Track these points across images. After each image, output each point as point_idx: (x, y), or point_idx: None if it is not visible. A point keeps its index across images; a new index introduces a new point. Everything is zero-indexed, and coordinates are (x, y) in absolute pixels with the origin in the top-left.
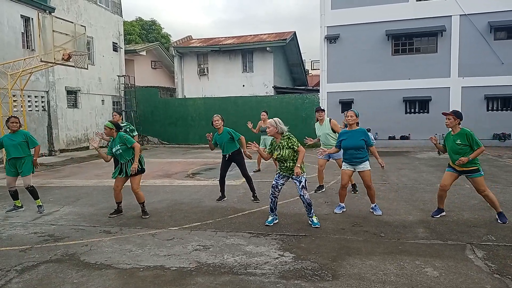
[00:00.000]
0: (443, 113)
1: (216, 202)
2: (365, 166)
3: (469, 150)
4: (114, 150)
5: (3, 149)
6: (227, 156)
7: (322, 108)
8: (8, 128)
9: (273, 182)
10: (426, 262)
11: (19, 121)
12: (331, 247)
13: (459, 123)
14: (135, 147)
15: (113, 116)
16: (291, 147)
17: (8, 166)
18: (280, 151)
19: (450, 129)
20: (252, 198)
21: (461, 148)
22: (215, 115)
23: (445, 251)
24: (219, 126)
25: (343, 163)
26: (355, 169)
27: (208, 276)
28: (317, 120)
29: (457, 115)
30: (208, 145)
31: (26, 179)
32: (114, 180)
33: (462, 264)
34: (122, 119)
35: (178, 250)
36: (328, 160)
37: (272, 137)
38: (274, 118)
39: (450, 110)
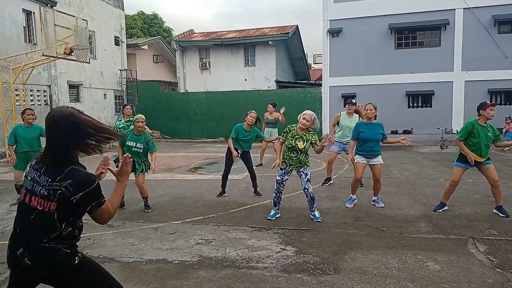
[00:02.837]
0: (491, 104)
1: (217, 197)
2: (379, 159)
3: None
4: (131, 144)
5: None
6: (240, 152)
7: (354, 101)
8: (23, 120)
9: (278, 178)
10: (428, 256)
11: (34, 113)
12: (333, 241)
13: None
14: (154, 154)
15: (126, 109)
16: (314, 142)
17: (18, 159)
18: (306, 143)
19: (477, 120)
20: (254, 194)
21: (490, 139)
22: (253, 111)
23: (447, 245)
24: (253, 123)
25: (357, 155)
26: (368, 162)
27: (210, 270)
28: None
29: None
30: (211, 139)
31: None
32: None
33: (464, 259)
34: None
35: (181, 244)
36: (339, 153)
37: (287, 132)
38: (312, 112)
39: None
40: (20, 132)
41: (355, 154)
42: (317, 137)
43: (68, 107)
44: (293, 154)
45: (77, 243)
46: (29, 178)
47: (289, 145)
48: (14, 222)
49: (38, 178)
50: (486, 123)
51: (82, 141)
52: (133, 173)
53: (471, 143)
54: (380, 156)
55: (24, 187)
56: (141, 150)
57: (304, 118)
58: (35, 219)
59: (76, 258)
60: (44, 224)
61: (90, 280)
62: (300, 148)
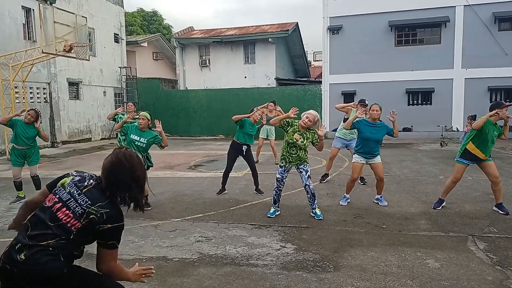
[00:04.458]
0: (504, 105)
1: (217, 194)
2: (378, 158)
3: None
4: (134, 138)
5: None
6: (244, 148)
7: (367, 103)
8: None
9: (278, 176)
10: (427, 254)
11: (35, 116)
12: (333, 239)
13: None
14: (166, 143)
15: (128, 106)
16: (313, 141)
17: (15, 157)
18: (304, 140)
19: (489, 118)
20: (256, 191)
21: (495, 138)
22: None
23: (447, 242)
24: (260, 117)
25: (356, 155)
26: (367, 162)
27: (210, 267)
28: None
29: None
30: (210, 137)
31: (33, 168)
32: None
33: (464, 256)
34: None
35: (181, 241)
36: (339, 149)
37: (287, 124)
38: (316, 113)
39: (498, 102)
40: (19, 126)
41: (354, 153)
42: (317, 137)
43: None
44: (293, 150)
45: (73, 260)
46: (67, 190)
47: (289, 140)
48: (27, 220)
49: (77, 195)
50: (496, 122)
51: (132, 193)
52: None
53: (479, 140)
54: (379, 156)
55: (57, 195)
56: (144, 145)
57: (307, 117)
58: (53, 226)
59: (65, 270)
60: (58, 233)
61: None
62: (298, 142)
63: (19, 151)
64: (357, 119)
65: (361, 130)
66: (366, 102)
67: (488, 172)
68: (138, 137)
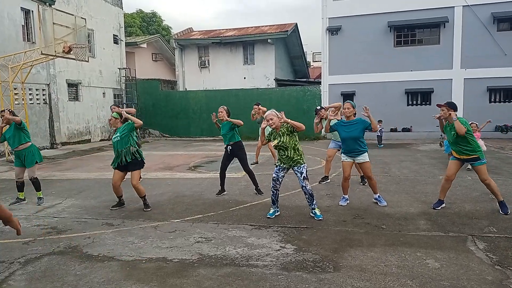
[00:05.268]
0: (437, 105)
1: (216, 195)
2: (364, 157)
3: (465, 141)
4: (113, 139)
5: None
6: (228, 148)
7: (319, 107)
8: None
9: (274, 175)
10: (427, 254)
11: (9, 113)
12: (333, 239)
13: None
14: (138, 122)
15: (112, 109)
16: (292, 130)
17: (15, 157)
18: (281, 138)
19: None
20: (255, 192)
21: (455, 137)
22: (221, 107)
23: (447, 242)
24: (221, 118)
25: (342, 154)
26: (354, 160)
27: (210, 268)
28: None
29: (450, 106)
30: (210, 137)
31: (30, 171)
32: (113, 173)
33: (464, 256)
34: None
35: (180, 242)
36: (339, 150)
37: (271, 134)
38: (270, 110)
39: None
40: (6, 132)
41: (341, 153)
42: (290, 125)
43: None
44: (282, 152)
45: None
46: None
47: (274, 146)
48: None
49: None
50: (451, 122)
51: None
52: (127, 170)
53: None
54: (365, 154)
55: None
56: (119, 138)
57: (268, 120)
58: None
59: None
60: None
61: None
62: (277, 143)
63: (15, 151)
64: (331, 122)
65: (338, 131)
66: (318, 107)
67: (478, 175)
68: (117, 134)
